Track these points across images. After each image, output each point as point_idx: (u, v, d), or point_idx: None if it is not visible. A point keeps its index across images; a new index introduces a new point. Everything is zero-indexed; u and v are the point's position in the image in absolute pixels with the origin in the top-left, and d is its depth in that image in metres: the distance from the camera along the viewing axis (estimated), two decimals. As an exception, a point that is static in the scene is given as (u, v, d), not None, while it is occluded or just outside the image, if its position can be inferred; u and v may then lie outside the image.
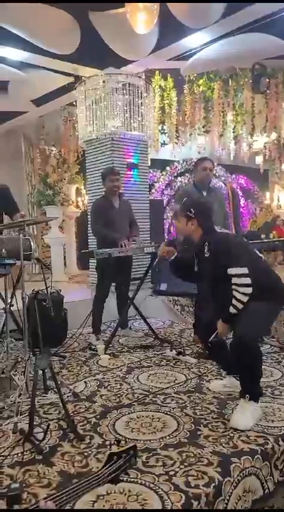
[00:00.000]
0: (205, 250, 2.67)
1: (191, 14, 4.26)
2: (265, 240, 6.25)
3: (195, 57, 5.26)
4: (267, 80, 6.06)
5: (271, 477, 2.09)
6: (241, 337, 2.44)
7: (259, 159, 9.60)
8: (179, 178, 9.33)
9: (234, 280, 2.50)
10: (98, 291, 4.26)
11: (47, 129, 8.19)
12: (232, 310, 2.51)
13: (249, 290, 2.47)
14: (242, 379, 2.55)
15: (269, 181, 12.00)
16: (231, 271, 2.51)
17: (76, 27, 4.56)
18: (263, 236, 8.62)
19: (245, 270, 2.50)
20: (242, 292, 2.47)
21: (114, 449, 1.92)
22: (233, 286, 2.50)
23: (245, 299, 2.48)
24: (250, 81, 6.19)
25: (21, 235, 2.82)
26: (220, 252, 2.62)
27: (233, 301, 2.50)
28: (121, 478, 1.83)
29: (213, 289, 2.77)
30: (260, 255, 2.87)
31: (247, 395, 2.45)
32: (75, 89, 5.61)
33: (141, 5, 3.94)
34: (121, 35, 4.59)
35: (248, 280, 2.48)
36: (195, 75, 6.45)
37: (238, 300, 2.49)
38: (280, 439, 2.21)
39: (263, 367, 3.33)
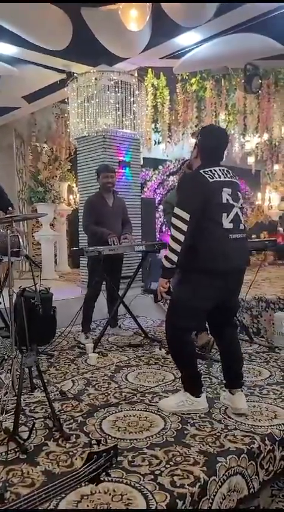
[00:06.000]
0: None
1: (184, 13, 4.24)
2: (256, 240, 6.28)
3: (187, 56, 5.24)
4: (259, 80, 6.06)
5: (257, 476, 2.09)
6: (166, 320, 2.41)
7: (251, 160, 9.62)
8: (171, 178, 9.34)
9: (173, 221, 2.23)
10: (89, 290, 4.23)
11: (38, 125, 8.15)
12: (164, 261, 2.30)
13: (177, 246, 2.23)
14: None
15: (261, 182, 12.05)
16: (175, 210, 2.25)
17: (69, 23, 4.52)
18: (253, 236, 8.65)
19: (186, 216, 2.20)
20: (175, 238, 2.20)
21: (95, 448, 1.90)
22: (171, 230, 2.24)
23: (174, 247, 2.21)
24: (242, 81, 6.19)
25: (8, 231, 2.78)
26: (178, 187, 2.38)
27: (167, 251, 2.27)
28: (105, 478, 1.81)
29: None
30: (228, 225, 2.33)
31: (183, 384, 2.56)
32: (67, 85, 5.57)
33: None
34: (113, 32, 4.55)
35: (184, 229, 2.18)
36: (188, 74, 6.43)
37: (171, 250, 2.24)
38: (266, 438, 2.21)
39: (251, 366, 3.38)
